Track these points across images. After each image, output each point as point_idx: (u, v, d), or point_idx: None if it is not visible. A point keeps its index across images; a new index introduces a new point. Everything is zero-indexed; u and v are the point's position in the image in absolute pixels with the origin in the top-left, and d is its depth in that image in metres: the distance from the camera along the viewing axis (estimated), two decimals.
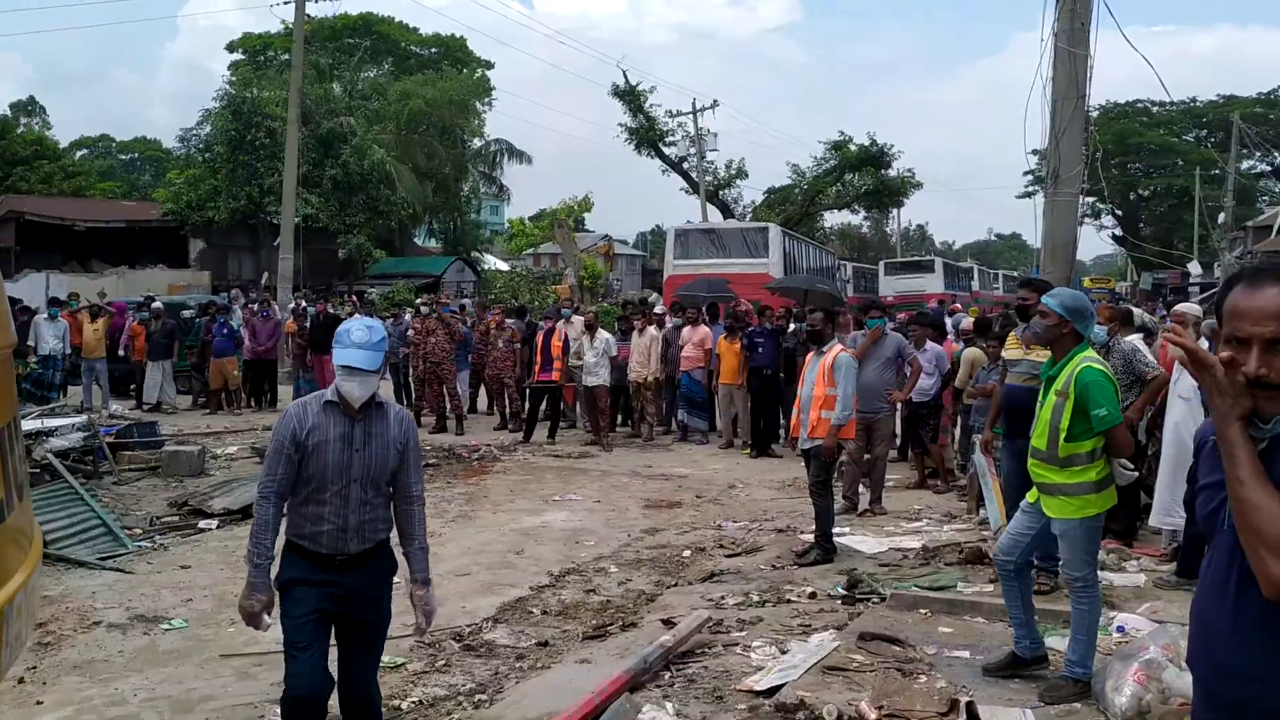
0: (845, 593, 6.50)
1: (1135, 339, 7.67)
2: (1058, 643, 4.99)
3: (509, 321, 14.72)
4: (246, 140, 37.55)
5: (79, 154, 69.05)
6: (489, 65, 56.44)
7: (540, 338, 13.54)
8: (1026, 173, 51.74)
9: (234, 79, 43.79)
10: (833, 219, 52.58)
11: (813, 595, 6.51)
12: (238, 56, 53.61)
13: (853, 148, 40.95)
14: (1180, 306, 8.76)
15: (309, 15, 30.91)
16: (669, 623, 5.90)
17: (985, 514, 7.92)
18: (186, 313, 18.51)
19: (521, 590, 6.98)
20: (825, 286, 18.24)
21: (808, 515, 8.08)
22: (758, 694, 4.76)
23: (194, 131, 44.40)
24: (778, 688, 4.73)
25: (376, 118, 44.89)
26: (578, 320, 14.29)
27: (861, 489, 9.49)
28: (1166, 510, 6.92)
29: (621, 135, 42.01)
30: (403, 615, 6.41)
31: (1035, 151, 11.31)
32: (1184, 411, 6.76)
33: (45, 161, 46.47)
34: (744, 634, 5.73)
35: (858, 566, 7.12)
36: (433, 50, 56.09)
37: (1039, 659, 4.84)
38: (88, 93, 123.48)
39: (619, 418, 14.70)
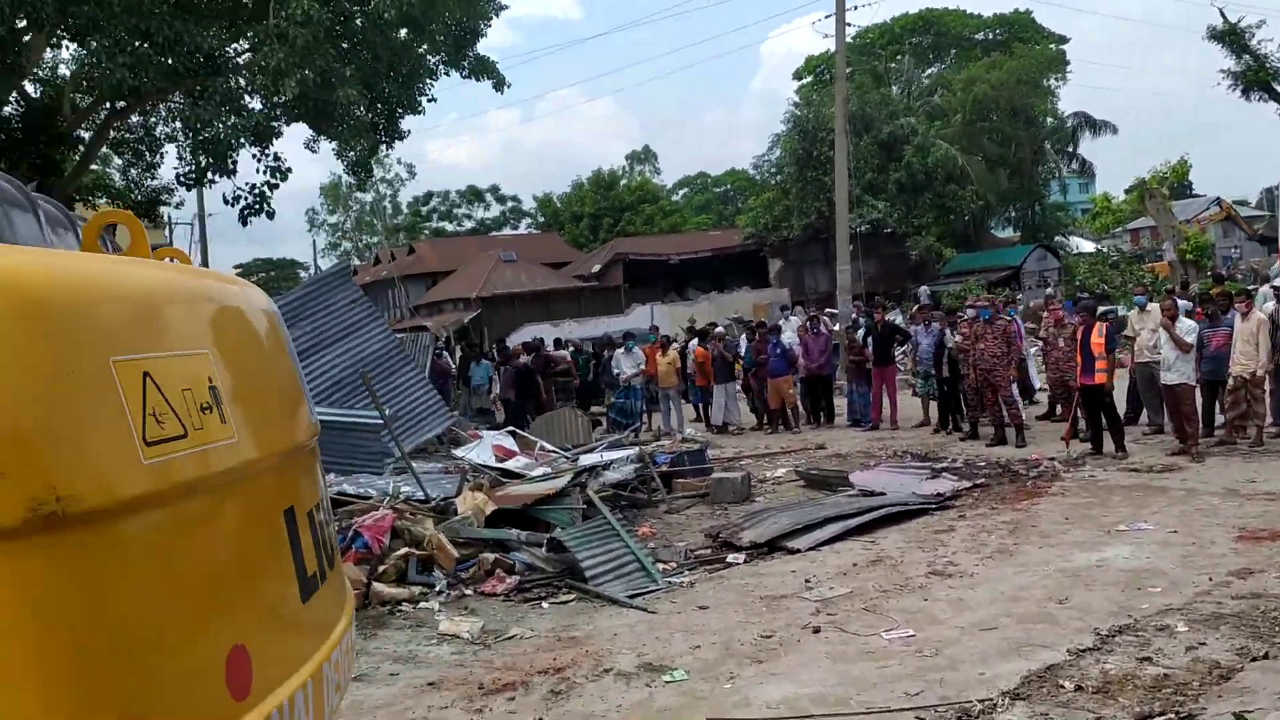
0: None
1: None
2: None
3: (1069, 318, 13.09)
4: (813, 157, 38.82)
5: (680, 193, 76.77)
6: (1062, 40, 52.65)
7: (1080, 333, 11.83)
8: None
9: (798, 101, 45.55)
10: None
11: None
12: (805, 81, 55.87)
13: None
14: None
15: (857, 25, 30.98)
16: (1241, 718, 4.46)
17: None
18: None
19: (1056, 654, 5.83)
20: None
21: None
22: None
23: (765, 157, 46.96)
24: None
25: (940, 113, 43.93)
26: (1154, 308, 12.28)
27: None
28: None
29: (1224, 83, 36.46)
30: (901, 681, 5.74)
31: None
32: None
33: (647, 205, 52.36)
34: None
35: None
36: (996, 33, 53.66)
37: None
38: (689, 135, 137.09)
39: (1217, 418, 12.34)
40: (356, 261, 64.74)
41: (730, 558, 8.70)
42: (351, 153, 19.64)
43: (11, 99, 17.28)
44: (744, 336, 19.18)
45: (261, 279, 72.74)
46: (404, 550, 8.43)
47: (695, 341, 18.81)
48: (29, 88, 18.94)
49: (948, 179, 39.57)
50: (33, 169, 18.11)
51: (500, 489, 9.93)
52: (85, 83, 18.08)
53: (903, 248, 41.20)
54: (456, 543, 8.71)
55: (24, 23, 13.50)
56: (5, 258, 1.68)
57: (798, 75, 56.94)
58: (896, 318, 24.40)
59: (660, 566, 8.48)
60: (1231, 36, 35.63)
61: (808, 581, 7.77)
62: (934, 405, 15.39)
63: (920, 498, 10.13)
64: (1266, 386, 11.65)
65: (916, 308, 22.03)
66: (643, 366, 17.50)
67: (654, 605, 7.57)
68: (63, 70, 20.40)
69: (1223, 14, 35.57)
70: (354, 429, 11.10)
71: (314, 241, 60.96)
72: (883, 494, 10.36)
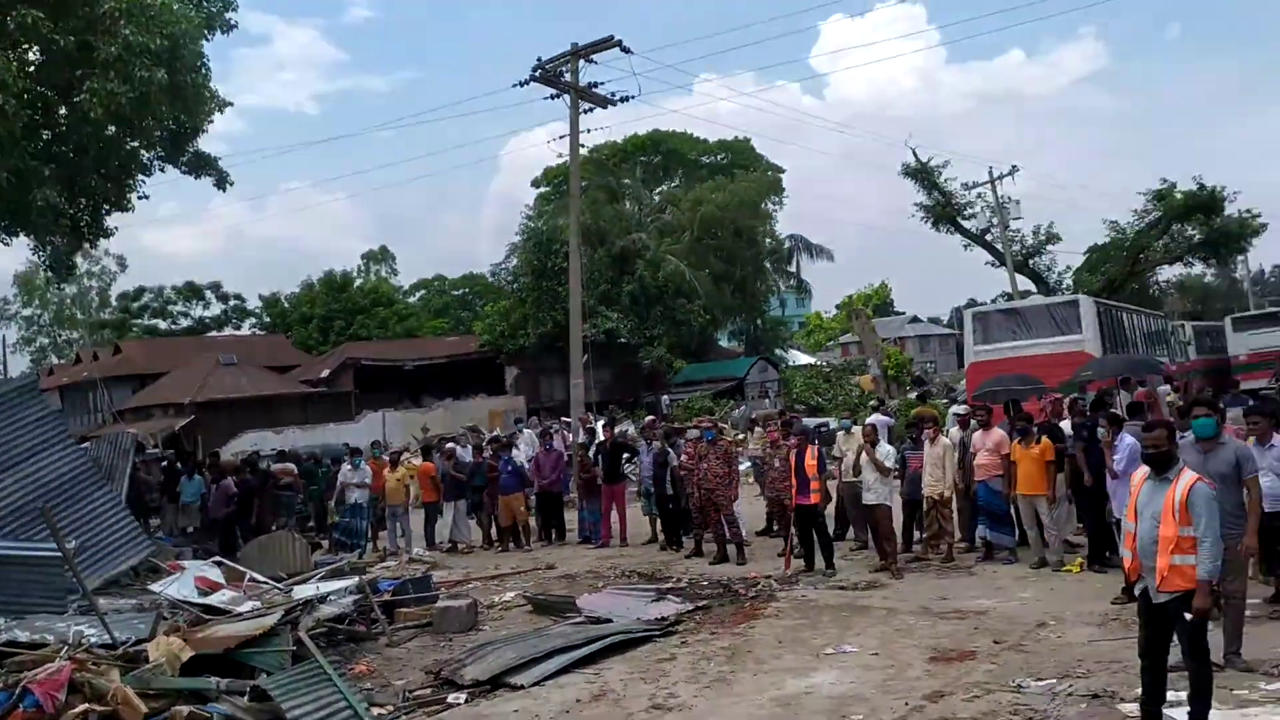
0: None
1: None
2: None
3: (785, 439, 13.79)
4: (549, 268, 39.60)
5: (417, 295, 75.99)
6: (780, 170, 56.94)
7: (793, 457, 12.52)
8: None
9: (533, 213, 46.56)
10: (1169, 272, 47.49)
11: None
12: (543, 189, 57.21)
13: (1178, 195, 36.92)
14: None
15: (590, 144, 32.07)
16: None
17: None
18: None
19: None
20: (1147, 366, 15.86)
21: (1133, 668, 6.48)
22: None
23: (502, 265, 47.48)
24: None
25: (670, 229, 46.06)
26: (857, 431, 13.19)
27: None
28: None
29: (917, 215, 40.43)
30: None
31: None
32: None
33: (381, 308, 51.46)
34: None
35: None
36: (720, 156, 57.26)
37: None
38: (427, 236, 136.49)
39: (915, 534, 13.28)
40: (55, 360, 59.44)
41: (451, 697, 8.37)
42: (49, 249, 18.14)
43: None
44: (468, 449, 18.99)
45: None
46: (83, 707, 7.54)
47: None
48: None
49: (677, 293, 41.33)
50: None
51: (201, 629, 9.15)
52: None
53: (636, 358, 42.49)
54: (146, 695, 7.88)
55: None
56: None
57: (536, 184, 58.24)
58: (628, 429, 24.92)
59: (375, 711, 8.04)
60: (922, 174, 39.66)
61: None
62: (660, 522, 15.75)
63: (644, 624, 10.20)
64: (954, 505, 12.70)
65: (649, 419, 22.62)
66: (369, 482, 16.89)
67: None
68: None
69: (914, 153, 39.58)
70: (31, 563, 9.97)
71: (3, 336, 55.36)
72: (609, 620, 10.36)
